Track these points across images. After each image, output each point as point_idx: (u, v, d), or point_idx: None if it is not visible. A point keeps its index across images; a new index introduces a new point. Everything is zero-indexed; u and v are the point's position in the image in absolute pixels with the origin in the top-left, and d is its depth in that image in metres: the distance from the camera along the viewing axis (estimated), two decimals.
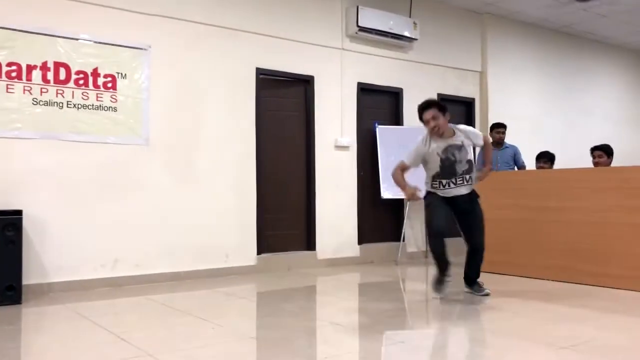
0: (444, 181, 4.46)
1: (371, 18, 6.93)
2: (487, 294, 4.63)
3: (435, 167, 4.45)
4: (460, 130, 4.53)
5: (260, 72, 6.30)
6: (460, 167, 4.44)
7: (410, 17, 7.40)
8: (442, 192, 4.48)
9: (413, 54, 7.60)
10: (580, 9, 8.01)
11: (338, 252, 6.79)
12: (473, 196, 4.56)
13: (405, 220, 7.22)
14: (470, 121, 8.21)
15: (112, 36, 5.40)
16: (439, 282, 4.51)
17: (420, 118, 4.48)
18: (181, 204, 5.72)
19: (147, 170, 5.55)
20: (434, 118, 4.39)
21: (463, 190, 4.47)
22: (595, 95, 9.86)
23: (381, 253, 7.19)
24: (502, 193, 5.97)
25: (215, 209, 5.92)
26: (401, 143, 7.10)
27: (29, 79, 4.98)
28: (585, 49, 9.66)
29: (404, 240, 7.21)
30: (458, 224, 4.56)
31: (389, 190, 6.93)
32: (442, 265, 4.48)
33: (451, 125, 4.52)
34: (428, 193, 4.58)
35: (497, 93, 8.38)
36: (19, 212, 4.63)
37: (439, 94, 7.85)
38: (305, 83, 6.71)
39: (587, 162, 6.14)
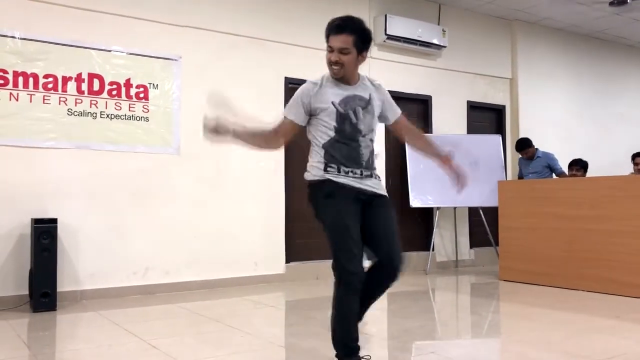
0: (346, 167, 2.69)
1: (399, 26, 6.92)
2: None
3: (329, 125, 2.66)
4: (372, 81, 2.81)
5: (288, 81, 6.33)
6: (365, 148, 2.72)
7: (438, 24, 7.36)
8: (345, 179, 2.69)
9: (442, 62, 7.56)
10: (614, 13, 7.86)
11: (367, 261, 6.73)
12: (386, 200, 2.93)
13: (434, 229, 7.15)
14: (501, 128, 8.12)
15: (144, 47, 5.51)
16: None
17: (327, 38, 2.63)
18: (211, 212, 5.78)
19: (178, 179, 5.62)
20: (342, 51, 2.59)
21: (374, 186, 2.79)
22: (629, 101, 9.64)
23: (410, 262, 7.13)
24: (534, 201, 5.87)
25: (244, 218, 5.96)
26: None
27: (64, 90, 5.10)
28: (618, 54, 9.46)
29: (433, 250, 7.14)
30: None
31: (417, 199, 6.88)
32: (354, 332, 2.89)
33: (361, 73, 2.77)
34: (318, 184, 2.72)
35: (528, 100, 8.26)
36: (54, 221, 4.72)
37: (468, 101, 7.79)
38: None
39: (621, 169, 6.00)
